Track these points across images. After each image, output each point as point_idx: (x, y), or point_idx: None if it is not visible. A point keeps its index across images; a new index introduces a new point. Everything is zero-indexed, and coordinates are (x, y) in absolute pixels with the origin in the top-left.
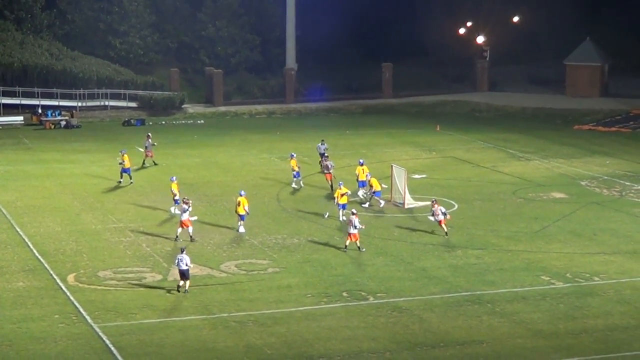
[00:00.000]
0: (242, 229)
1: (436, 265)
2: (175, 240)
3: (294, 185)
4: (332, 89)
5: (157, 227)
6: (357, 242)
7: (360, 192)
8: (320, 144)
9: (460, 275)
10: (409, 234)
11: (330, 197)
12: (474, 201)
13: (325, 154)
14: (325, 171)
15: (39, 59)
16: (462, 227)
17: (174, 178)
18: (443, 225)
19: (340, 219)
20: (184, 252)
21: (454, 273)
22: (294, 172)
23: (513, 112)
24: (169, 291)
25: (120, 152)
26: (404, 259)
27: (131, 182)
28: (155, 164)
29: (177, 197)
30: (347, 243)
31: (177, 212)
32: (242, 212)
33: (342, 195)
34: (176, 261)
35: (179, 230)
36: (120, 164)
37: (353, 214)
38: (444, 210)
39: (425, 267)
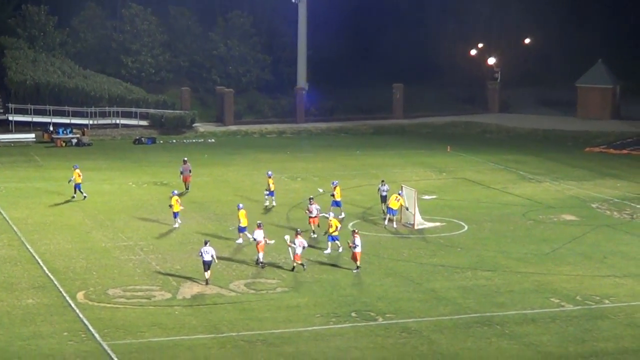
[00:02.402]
0: (240, 240)
1: (446, 286)
2: (259, 264)
3: (266, 203)
4: (343, 109)
5: (167, 245)
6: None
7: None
8: (380, 185)
9: (469, 297)
10: (419, 254)
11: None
12: (484, 222)
13: (312, 197)
14: (309, 215)
15: (51, 77)
16: (472, 248)
17: (175, 192)
18: (358, 258)
19: (327, 251)
20: (208, 244)
21: (464, 294)
22: (269, 191)
23: (524, 133)
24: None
25: (73, 167)
26: (414, 280)
27: (84, 197)
28: (187, 189)
29: (176, 211)
30: (358, 263)
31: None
32: (244, 225)
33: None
34: (200, 253)
35: (261, 254)
36: (70, 180)
37: (355, 233)
38: (358, 242)
39: (434, 288)
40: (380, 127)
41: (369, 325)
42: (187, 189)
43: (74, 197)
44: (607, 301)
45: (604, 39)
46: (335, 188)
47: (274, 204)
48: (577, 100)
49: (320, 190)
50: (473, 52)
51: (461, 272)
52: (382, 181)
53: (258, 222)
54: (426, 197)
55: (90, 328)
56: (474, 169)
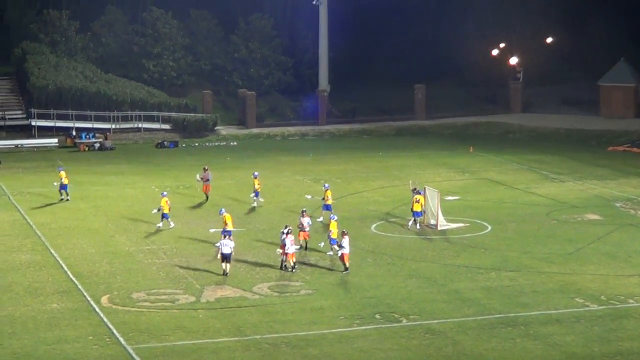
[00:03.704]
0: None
1: (469, 287)
2: (286, 269)
3: (255, 204)
4: (365, 110)
5: (190, 249)
6: (347, 262)
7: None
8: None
9: (493, 297)
10: (442, 255)
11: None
12: (507, 223)
13: (304, 210)
14: (300, 228)
15: (73, 82)
16: (495, 248)
17: (165, 193)
18: (292, 259)
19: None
20: (227, 238)
21: (488, 295)
22: (256, 191)
23: (547, 133)
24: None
25: (58, 169)
26: (437, 281)
27: (67, 199)
28: (207, 199)
29: (165, 212)
30: (347, 264)
31: (162, 225)
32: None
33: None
34: (219, 245)
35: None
36: (56, 184)
37: (344, 233)
38: (346, 244)
39: (458, 289)
40: (402, 128)
41: (393, 327)
42: (207, 199)
43: (65, 199)
44: (631, 300)
45: (627, 37)
46: (326, 192)
47: (256, 204)
48: (600, 99)
49: (309, 197)
50: (495, 52)
51: (485, 272)
52: (303, 212)
53: (288, 227)
54: (449, 197)
55: (115, 332)
56: (496, 169)
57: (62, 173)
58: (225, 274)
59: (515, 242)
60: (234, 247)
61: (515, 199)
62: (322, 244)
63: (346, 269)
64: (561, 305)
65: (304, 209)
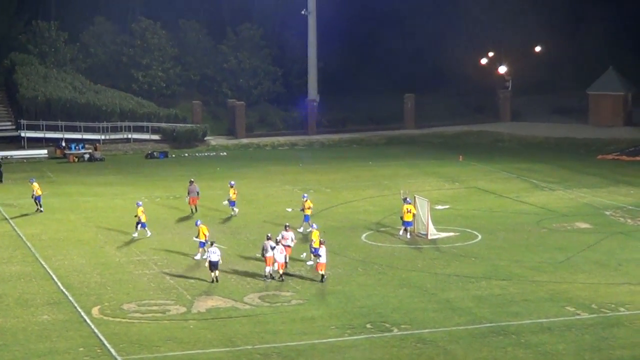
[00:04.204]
0: (197, 256)
1: (460, 296)
2: (266, 279)
3: (233, 213)
4: (354, 120)
5: (180, 259)
6: (323, 271)
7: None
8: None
9: (484, 307)
10: (433, 265)
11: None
12: (497, 232)
13: (287, 225)
14: (283, 243)
15: (62, 93)
16: (486, 257)
17: (140, 203)
18: (280, 270)
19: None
20: (214, 245)
21: (478, 304)
22: (231, 201)
23: (536, 142)
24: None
25: (30, 180)
26: (428, 290)
27: (41, 211)
28: (195, 212)
29: (143, 221)
30: (322, 272)
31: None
32: (202, 239)
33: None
34: (207, 254)
35: (268, 269)
36: (33, 195)
37: (322, 243)
38: (323, 252)
39: (449, 298)
40: (392, 138)
41: (384, 337)
42: (194, 212)
43: (40, 210)
44: (622, 309)
45: (615, 46)
46: (305, 202)
47: (234, 213)
48: (589, 107)
49: (289, 210)
50: (484, 61)
51: (476, 281)
52: (286, 226)
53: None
54: (439, 207)
55: (106, 343)
56: (486, 178)
57: (35, 185)
58: (214, 281)
59: (506, 251)
60: (221, 255)
61: (505, 208)
62: (304, 254)
63: (322, 278)
64: (552, 314)
65: (287, 224)
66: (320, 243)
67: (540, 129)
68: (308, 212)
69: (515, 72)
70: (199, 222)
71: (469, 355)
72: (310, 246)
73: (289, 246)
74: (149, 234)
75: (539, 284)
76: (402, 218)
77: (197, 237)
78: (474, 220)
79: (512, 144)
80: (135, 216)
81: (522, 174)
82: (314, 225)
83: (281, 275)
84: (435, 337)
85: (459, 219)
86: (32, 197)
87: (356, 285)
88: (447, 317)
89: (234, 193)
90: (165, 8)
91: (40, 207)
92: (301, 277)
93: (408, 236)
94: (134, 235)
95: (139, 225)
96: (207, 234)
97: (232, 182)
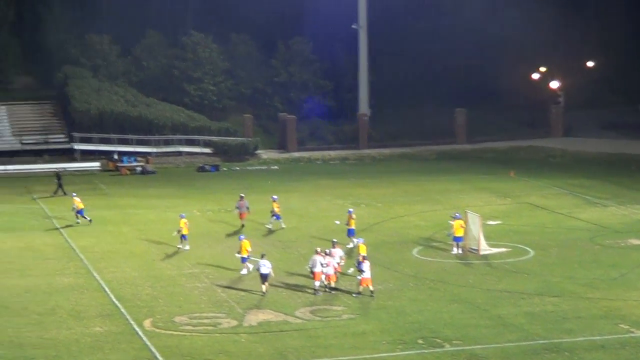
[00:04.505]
0: (244, 271)
1: (512, 312)
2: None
3: (269, 226)
4: (406, 134)
5: (232, 273)
6: (370, 286)
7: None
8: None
9: (537, 323)
10: (484, 280)
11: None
12: (550, 248)
13: (335, 241)
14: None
15: (114, 106)
16: (538, 274)
17: (184, 215)
18: (332, 283)
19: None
20: (264, 258)
21: (531, 321)
22: (276, 215)
23: (588, 157)
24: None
25: (72, 195)
26: (480, 306)
27: (78, 222)
28: (243, 226)
29: (184, 234)
30: (361, 289)
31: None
32: (245, 254)
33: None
34: (258, 266)
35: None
36: (73, 208)
37: (364, 258)
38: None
39: (501, 315)
40: (443, 153)
41: (435, 352)
42: (242, 226)
43: (77, 222)
44: None
45: None
46: (349, 216)
47: (282, 226)
48: None
49: (337, 222)
50: (535, 75)
51: (528, 298)
52: (317, 251)
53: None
54: (491, 222)
55: (158, 356)
56: (538, 194)
57: (76, 199)
58: (263, 294)
59: (558, 267)
60: (271, 268)
61: (557, 224)
62: (352, 270)
63: (359, 293)
64: (605, 332)
65: (335, 240)
66: (363, 258)
67: (593, 145)
68: (352, 226)
69: (567, 87)
70: (242, 237)
71: None
72: (357, 260)
73: (338, 263)
74: (187, 247)
75: (592, 300)
76: (449, 235)
77: (239, 253)
78: (526, 236)
79: (564, 159)
80: (178, 231)
81: (574, 190)
82: (360, 240)
83: (330, 288)
84: (487, 354)
85: (511, 235)
86: (73, 210)
87: (407, 300)
88: (499, 333)
89: (277, 207)
90: (216, 22)
91: (84, 218)
92: (348, 292)
93: (460, 251)
94: (178, 247)
95: (182, 238)
96: (249, 249)
97: (275, 197)
